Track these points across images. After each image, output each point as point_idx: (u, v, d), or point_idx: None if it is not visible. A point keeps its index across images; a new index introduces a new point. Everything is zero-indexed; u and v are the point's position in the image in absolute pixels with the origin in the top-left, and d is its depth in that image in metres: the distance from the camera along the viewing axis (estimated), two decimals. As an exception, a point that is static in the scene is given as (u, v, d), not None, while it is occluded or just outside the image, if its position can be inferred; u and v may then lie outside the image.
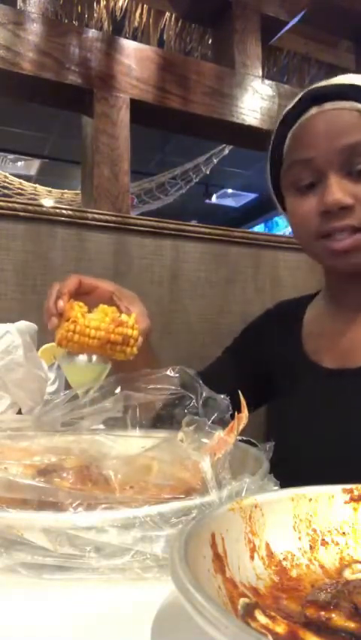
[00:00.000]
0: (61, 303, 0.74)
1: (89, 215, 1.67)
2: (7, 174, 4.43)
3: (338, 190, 0.76)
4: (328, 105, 0.78)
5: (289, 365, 0.92)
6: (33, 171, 6.52)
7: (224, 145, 4.35)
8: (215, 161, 4.69)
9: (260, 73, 2.10)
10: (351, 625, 0.32)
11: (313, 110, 0.80)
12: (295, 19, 2.15)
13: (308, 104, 0.81)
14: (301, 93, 0.84)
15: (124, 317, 0.76)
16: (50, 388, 1.11)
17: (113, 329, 0.73)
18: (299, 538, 0.42)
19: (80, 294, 0.78)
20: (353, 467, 0.74)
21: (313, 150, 0.78)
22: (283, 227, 6.29)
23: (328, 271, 0.91)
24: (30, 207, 1.61)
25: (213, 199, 7.57)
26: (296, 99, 0.84)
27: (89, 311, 0.76)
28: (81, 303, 0.75)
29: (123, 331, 0.74)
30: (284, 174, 0.85)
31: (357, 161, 0.76)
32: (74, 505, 0.44)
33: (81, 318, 0.72)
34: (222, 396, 0.69)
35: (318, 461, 0.79)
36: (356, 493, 0.45)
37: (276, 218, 7.47)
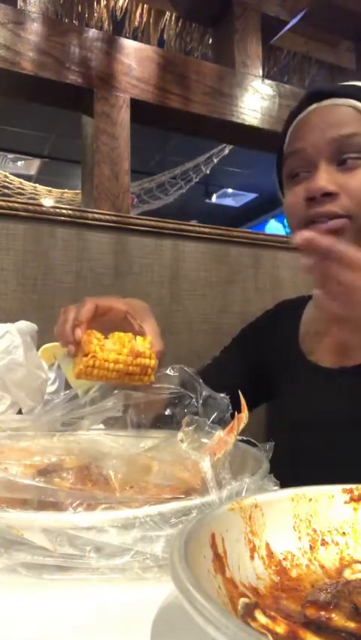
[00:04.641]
0: (79, 332, 0.73)
1: (89, 215, 1.67)
2: (7, 174, 4.43)
3: (323, 177, 0.78)
4: (325, 102, 0.81)
5: (287, 365, 0.92)
6: (33, 171, 6.52)
7: (224, 145, 4.35)
8: (215, 160, 4.69)
9: (260, 73, 2.10)
10: (351, 625, 0.32)
11: (312, 107, 0.83)
12: (296, 19, 2.15)
13: (309, 101, 0.84)
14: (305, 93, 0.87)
15: (139, 341, 0.75)
16: (50, 388, 1.11)
17: (131, 361, 0.73)
18: (299, 538, 0.42)
19: (94, 316, 0.78)
20: (353, 467, 0.74)
21: (305, 141, 0.81)
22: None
23: None
24: (30, 207, 1.61)
25: (213, 199, 7.56)
26: (301, 99, 0.87)
27: (105, 336, 0.75)
28: (98, 334, 0.74)
29: (141, 362, 0.74)
30: (283, 167, 0.87)
31: (347, 152, 0.78)
32: (74, 505, 0.44)
33: (100, 352, 0.72)
34: (222, 395, 0.69)
35: (317, 461, 0.79)
36: (356, 493, 0.45)
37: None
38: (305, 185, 0.80)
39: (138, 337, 0.76)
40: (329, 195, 0.77)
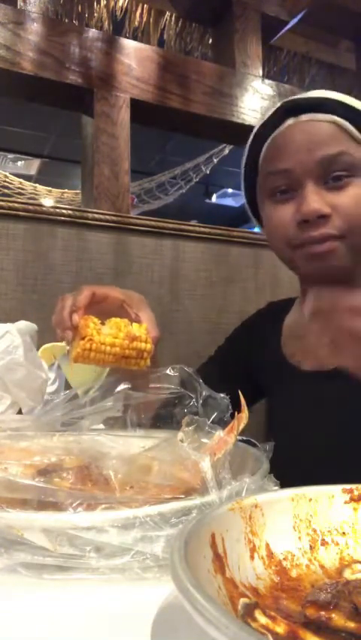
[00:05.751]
0: (76, 317, 0.74)
1: (89, 215, 1.67)
2: (7, 174, 4.43)
3: (316, 200, 0.77)
4: (304, 117, 0.80)
5: (271, 366, 0.93)
6: (33, 171, 6.52)
7: (224, 145, 4.35)
8: (215, 160, 4.69)
9: (260, 73, 2.10)
10: (351, 625, 0.32)
11: (290, 122, 0.81)
12: (296, 19, 2.15)
13: (284, 115, 0.82)
14: (277, 106, 0.85)
15: (135, 327, 0.76)
16: (50, 388, 1.11)
17: (127, 344, 0.74)
18: (299, 538, 0.42)
19: (91, 303, 0.79)
20: (352, 467, 0.74)
21: (291, 161, 0.79)
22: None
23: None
24: (30, 207, 1.61)
25: (213, 199, 7.56)
26: (272, 111, 0.85)
27: (102, 322, 0.76)
28: (95, 319, 0.76)
29: (138, 346, 0.75)
30: (261, 184, 0.86)
31: (334, 170, 0.77)
32: (74, 505, 0.44)
33: (96, 335, 0.73)
34: (221, 395, 0.69)
35: (317, 461, 0.79)
36: (356, 493, 0.45)
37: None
38: (296, 207, 0.79)
39: (135, 324, 0.78)
40: (322, 217, 0.77)
